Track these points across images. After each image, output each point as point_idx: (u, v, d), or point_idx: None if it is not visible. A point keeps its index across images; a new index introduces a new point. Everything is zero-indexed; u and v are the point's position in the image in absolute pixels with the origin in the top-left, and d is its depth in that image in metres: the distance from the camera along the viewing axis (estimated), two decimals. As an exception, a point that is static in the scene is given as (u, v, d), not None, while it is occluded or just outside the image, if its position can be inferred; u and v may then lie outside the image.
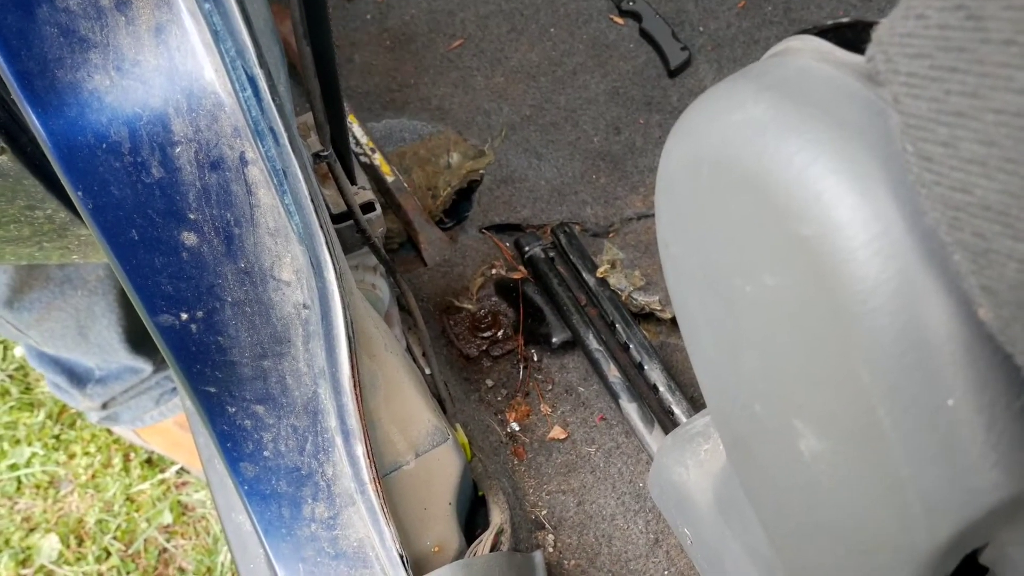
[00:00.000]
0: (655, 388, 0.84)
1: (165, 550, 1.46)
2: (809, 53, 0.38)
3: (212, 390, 0.67)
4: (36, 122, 0.54)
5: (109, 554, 1.45)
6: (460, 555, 0.74)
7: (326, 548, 0.71)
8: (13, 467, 1.54)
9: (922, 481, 0.34)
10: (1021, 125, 0.25)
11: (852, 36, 0.38)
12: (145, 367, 1.24)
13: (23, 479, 1.54)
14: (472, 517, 0.82)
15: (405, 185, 1.04)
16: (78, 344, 1.13)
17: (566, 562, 0.80)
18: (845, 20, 0.40)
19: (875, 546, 0.38)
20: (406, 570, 0.68)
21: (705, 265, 0.42)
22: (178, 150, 0.55)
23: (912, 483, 0.34)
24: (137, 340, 1.18)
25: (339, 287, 0.63)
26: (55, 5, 0.50)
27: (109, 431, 1.54)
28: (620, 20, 1.24)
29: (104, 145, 0.55)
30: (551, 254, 0.95)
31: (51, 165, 0.66)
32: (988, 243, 0.27)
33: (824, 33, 0.40)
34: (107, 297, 1.10)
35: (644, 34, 1.21)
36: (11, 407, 1.59)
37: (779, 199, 0.34)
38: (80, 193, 0.56)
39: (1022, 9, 0.25)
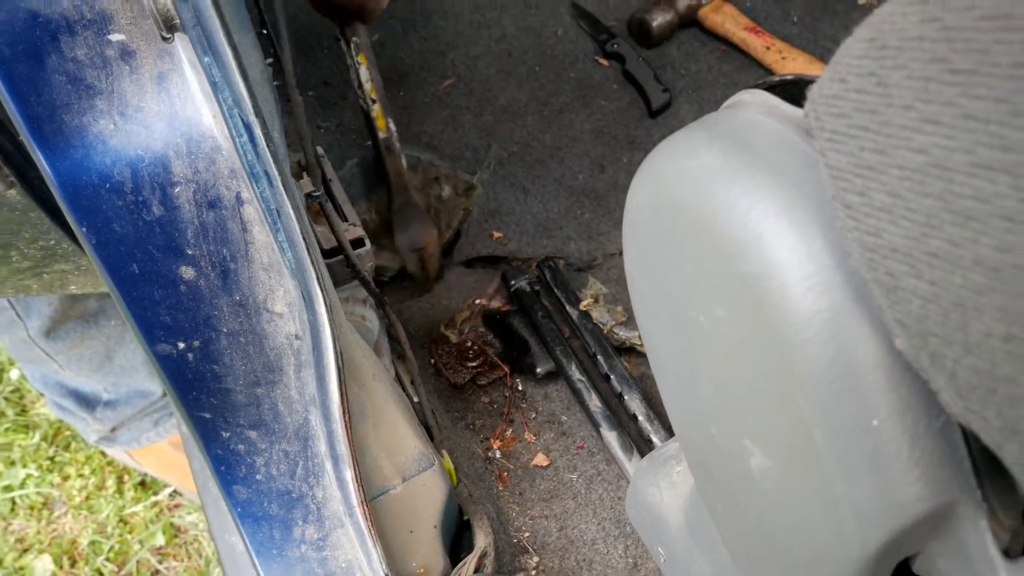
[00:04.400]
0: (635, 417, 0.87)
1: (158, 572, 1.48)
2: (757, 107, 0.42)
3: (207, 416, 0.70)
4: (44, 163, 0.57)
5: (102, 575, 1.47)
6: (445, 576, 0.77)
7: (315, 569, 0.74)
8: (8, 488, 1.56)
9: (854, 495, 0.37)
10: (919, 180, 0.29)
11: (796, 92, 0.42)
12: (155, 391, 1.29)
13: (17, 500, 1.56)
14: (457, 541, 0.85)
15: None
16: (102, 366, 1.18)
17: (548, 585, 0.83)
18: (789, 77, 0.44)
19: (817, 556, 0.41)
20: (392, 590, 0.71)
21: (666, 299, 0.46)
22: (177, 190, 0.59)
23: (845, 497, 0.37)
24: None
25: (329, 319, 0.66)
26: (64, 55, 0.54)
27: (103, 453, 1.57)
28: (605, 62, 1.28)
29: (108, 185, 0.58)
30: (536, 287, 0.99)
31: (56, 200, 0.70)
32: (897, 281, 0.31)
33: (772, 88, 0.44)
34: None
35: (628, 75, 1.25)
36: (7, 428, 1.62)
37: (725, 239, 0.38)
38: (84, 229, 0.59)
39: (920, 79, 0.29)
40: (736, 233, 0.37)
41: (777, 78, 0.45)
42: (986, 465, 0.37)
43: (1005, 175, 0.25)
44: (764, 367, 0.39)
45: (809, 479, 0.39)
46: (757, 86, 0.45)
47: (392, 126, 1.05)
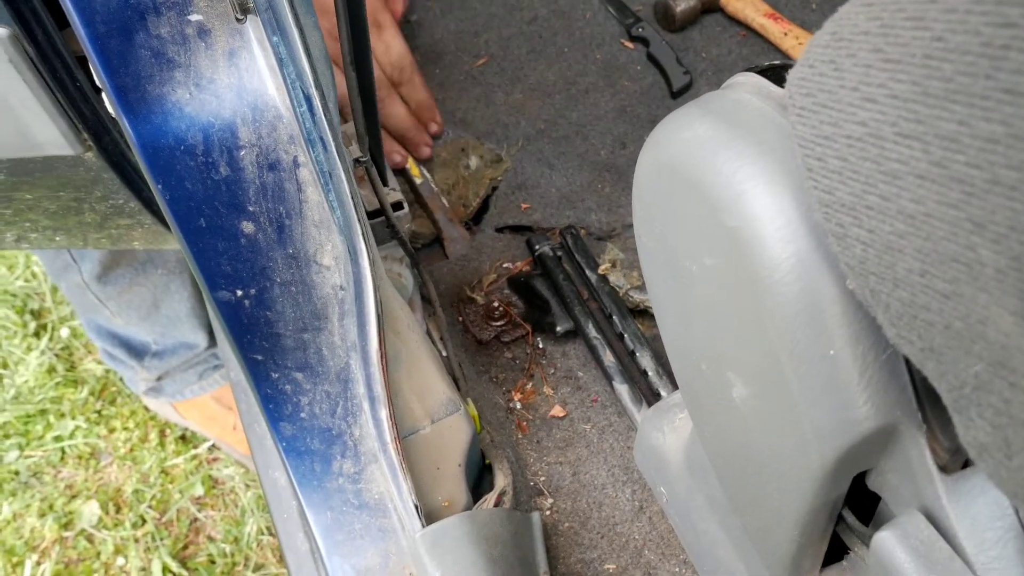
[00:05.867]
0: (645, 373, 0.94)
1: (196, 519, 1.57)
2: (747, 87, 0.49)
3: (259, 358, 0.76)
4: (128, 127, 0.63)
5: (144, 521, 1.56)
6: (467, 510, 0.84)
7: (351, 499, 0.80)
8: (58, 438, 1.65)
9: (814, 414, 0.44)
10: (860, 147, 0.36)
11: (781, 74, 0.49)
12: (200, 343, 1.37)
13: (67, 450, 1.65)
14: (479, 484, 0.92)
15: (433, 187, 1.16)
16: (149, 315, 1.26)
17: (561, 524, 0.90)
18: (777, 63, 0.51)
19: (786, 470, 0.49)
20: (420, 518, 0.77)
21: (666, 251, 0.53)
22: (242, 153, 0.65)
23: (807, 416, 0.45)
24: (200, 315, 1.33)
25: (371, 273, 0.71)
26: (150, 32, 0.61)
27: (146, 409, 1.66)
28: (630, 44, 1.34)
29: (182, 147, 0.64)
30: (559, 253, 1.06)
31: (127, 162, 0.77)
32: (845, 230, 0.38)
33: (763, 71, 0.51)
34: (182, 276, 1.24)
35: (651, 58, 1.31)
36: (57, 383, 1.71)
37: (713, 198, 0.45)
38: (160, 186, 0.66)
39: (863, 66, 0.36)
40: (722, 193, 0.45)
41: (767, 63, 0.52)
42: (926, 392, 0.44)
43: (918, 142, 0.32)
44: (744, 307, 0.46)
45: (779, 402, 0.46)
46: (750, 69, 0.52)
47: (425, 172, 1.18)
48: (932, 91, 0.31)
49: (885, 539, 0.46)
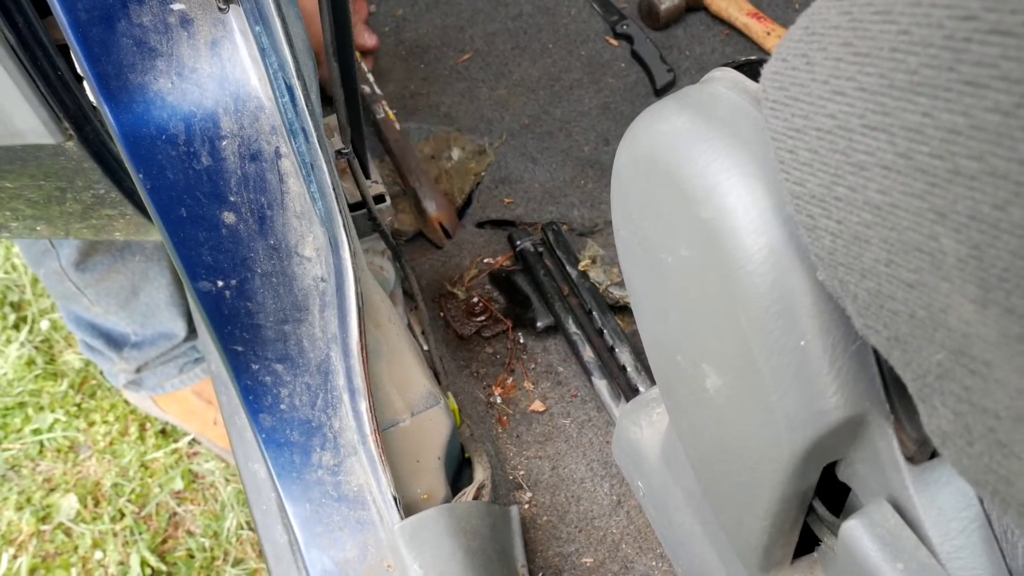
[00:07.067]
0: (624, 369, 0.95)
1: (175, 514, 1.56)
2: (724, 81, 0.50)
3: (240, 349, 0.76)
4: (109, 116, 0.63)
5: (123, 515, 1.54)
6: (446, 503, 0.85)
7: (330, 491, 0.80)
8: (36, 432, 1.64)
9: (785, 404, 0.45)
10: (830, 139, 0.37)
11: (757, 69, 0.50)
12: (179, 333, 1.36)
13: (45, 443, 1.63)
14: (458, 477, 0.92)
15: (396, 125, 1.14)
16: (128, 302, 1.25)
17: (539, 518, 0.91)
18: (753, 58, 0.51)
19: (758, 459, 0.49)
20: (399, 511, 0.78)
21: (643, 243, 0.53)
22: (224, 143, 0.65)
23: (778, 406, 0.45)
24: (179, 303, 1.32)
25: (352, 264, 0.71)
26: (132, 21, 0.61)
27: (127, 402, 1.65)
28: (614, 42, 1.35)
29: (164, 137, 0.64)
30: (540, 249, 1.07)
31: (108, 152, 0.77)
32: (815, 222, 0.39)
33: (740, 67, 0.52)
34: (161, 263, 1.23)
35: (635, 55, 1.32)
36: (36, 376, 1.70)
37: (688, 190, 0.46)
38: (141, 175, 0.66)
39: (833, 59, 0.36)
40: (697, 184, 0.45)
41: (744, 58, 0.52)
42: (895, 384, 0.45)
43: (884, 134, 0.33)
44: (717, 297, 0.46)
45: (751, 393, 0.47)
46: (727, 64, 0.52)
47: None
48: (898, 83, 0.32)
49: (852, 528, 0.47)
